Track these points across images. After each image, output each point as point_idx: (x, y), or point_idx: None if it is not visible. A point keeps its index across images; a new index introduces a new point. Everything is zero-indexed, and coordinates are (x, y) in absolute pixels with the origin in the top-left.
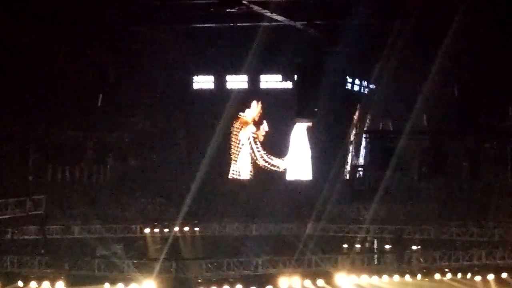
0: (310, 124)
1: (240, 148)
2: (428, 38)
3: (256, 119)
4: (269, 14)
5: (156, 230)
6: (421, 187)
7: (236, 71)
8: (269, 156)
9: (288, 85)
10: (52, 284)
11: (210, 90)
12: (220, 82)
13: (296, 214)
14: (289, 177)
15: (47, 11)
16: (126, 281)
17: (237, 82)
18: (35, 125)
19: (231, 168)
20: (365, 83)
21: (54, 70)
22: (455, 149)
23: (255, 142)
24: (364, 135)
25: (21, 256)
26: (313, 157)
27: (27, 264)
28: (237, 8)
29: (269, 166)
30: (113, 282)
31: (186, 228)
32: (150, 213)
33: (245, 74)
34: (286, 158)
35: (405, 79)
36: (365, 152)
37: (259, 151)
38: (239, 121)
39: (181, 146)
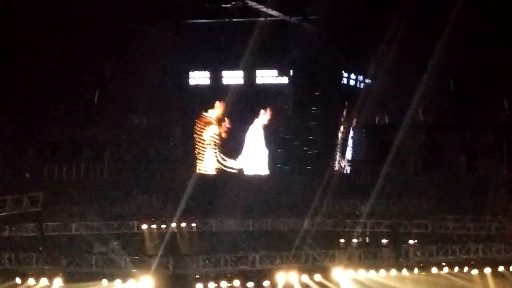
0: (266, 123)
1: (205, 148)
2: (423, 32)
3: (220, 118)
4: (264, 9)
5: (154, 226)
6: (417, 181)
7: (232, 67)
8: (223, 158)
9: (284, 80)
10: (50, 281)
11: (206, 85)
12: (216, 77)
13: (290, 208)
14: (247, 172)
15: (42, 10)
16: (124, 277)
17: (233, 77)
18: (31, 123)
19: (198, 166)
20: (361, 77)
21: (50, 67)
22: (451, 143)
23: (215, 144)
24: (362, 130)
25: (18, 253)
26: (303, 152)
27: (24, 261)
28: (232, 3)
29: (224, 168)
30: (110, 278)
31: (183, 224)
32: (147, 209)
33: (241, 69)
34: (244, 154)
35: (401, 73)
36: (361, 147)
37: (215, 153)
38: (202, 121)
39: (177, 141)
